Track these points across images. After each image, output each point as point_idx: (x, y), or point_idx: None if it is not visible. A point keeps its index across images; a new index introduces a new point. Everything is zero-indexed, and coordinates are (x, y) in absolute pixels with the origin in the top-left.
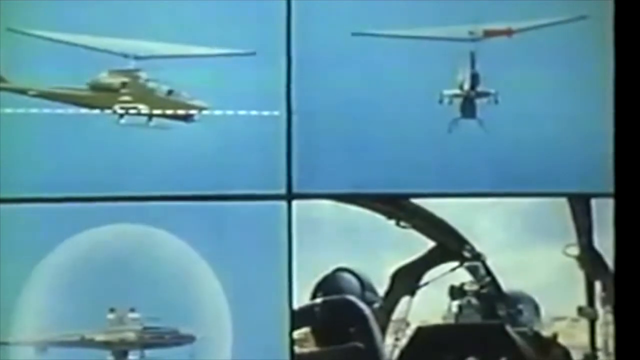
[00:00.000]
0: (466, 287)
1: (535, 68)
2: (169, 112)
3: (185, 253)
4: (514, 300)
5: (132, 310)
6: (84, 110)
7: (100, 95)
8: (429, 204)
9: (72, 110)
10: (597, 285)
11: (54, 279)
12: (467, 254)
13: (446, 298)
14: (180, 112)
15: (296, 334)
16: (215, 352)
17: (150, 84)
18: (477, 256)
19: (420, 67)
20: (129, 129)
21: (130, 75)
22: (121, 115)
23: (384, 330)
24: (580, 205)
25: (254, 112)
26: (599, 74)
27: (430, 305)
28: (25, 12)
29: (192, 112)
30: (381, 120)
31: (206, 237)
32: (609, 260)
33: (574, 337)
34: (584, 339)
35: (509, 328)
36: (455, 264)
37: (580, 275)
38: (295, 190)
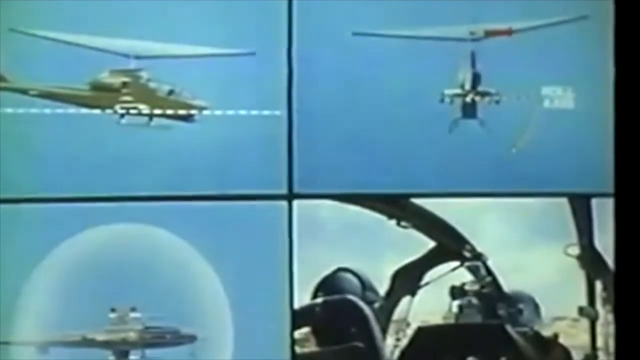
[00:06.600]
0: (467, 287)
1: (535, 68)
2: (170, 112)
3: (186, 253)
4: (514, 300)
5: (133, 309)
6: (84, 110)
7: (101, 95)
8: (430, 204)
9: (72, 110)
10: (598, 285)
11: (55, 279)
12: (467, 254)
13: (447, 298)
14: (181, 112)
15: (297, 333)
16: (216, 351)
17: (151, 84)
18: (478, 256)
19: (421, 67)
20: (130, 129)
21: (131, 75)
22: (122, 115)
23: (384, 330)
24: (580, 205)
25: (254, 112)
26: (599, 73)
27: (431, 305)
28: (26, 12)
29: (193, 112)
30: (382, 120)
31: (207, 236)
32: (610, 259)
33: (575, 337)
34: (585, 338)
35: (509, 328)
36: (455, 263)
37: (580, 275)
38: (296, 190)
